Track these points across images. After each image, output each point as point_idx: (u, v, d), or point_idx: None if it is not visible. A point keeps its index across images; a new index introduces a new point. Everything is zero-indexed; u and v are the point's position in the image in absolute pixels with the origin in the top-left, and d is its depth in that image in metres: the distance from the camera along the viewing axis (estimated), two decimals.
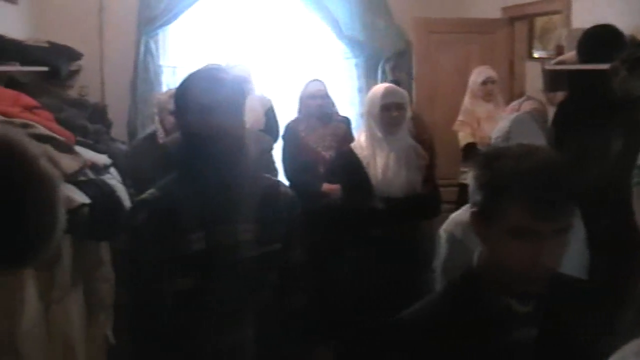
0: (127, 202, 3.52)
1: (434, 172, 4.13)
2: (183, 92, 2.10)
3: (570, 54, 4.32)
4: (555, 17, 5.79)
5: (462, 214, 2.69)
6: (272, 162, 4.76)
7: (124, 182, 3.84)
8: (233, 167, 2.09)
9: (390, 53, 6.35)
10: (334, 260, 4.12)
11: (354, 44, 6.36)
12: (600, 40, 3.95)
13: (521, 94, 5.78)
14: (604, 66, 3.67)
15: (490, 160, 1.61)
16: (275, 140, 5.14)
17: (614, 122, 3.59)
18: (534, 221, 1.51)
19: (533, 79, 5.81)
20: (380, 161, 3.89)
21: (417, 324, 1.69)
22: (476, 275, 1.68)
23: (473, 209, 1.65)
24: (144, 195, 2.16)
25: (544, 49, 6.17)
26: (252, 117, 4.65)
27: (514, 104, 4.49)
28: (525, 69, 6.18)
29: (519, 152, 1.57)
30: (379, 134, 3.91)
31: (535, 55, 6.21)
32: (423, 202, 3.95)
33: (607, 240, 3.01)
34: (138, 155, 4.45)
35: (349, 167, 4.01)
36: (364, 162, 3.91)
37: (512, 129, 2.61)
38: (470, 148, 5.34)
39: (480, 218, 1.62)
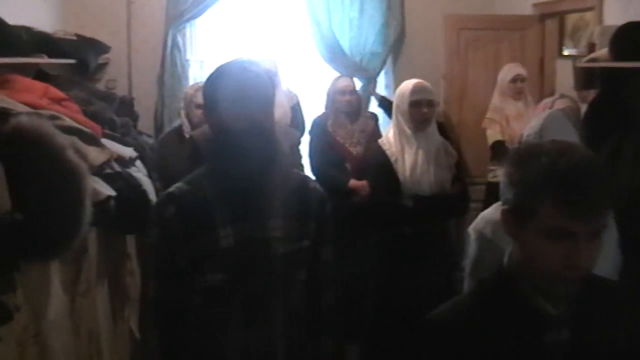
0: (152, 196, 3.51)
1: (463, 170, 4.08)
2: (213, 84, 2.06)
3: (603, 52, 4.23)
4: (587, 15, 5.68)
5: (492, 212, 2.64)
6: (300, 158, 4.74)
7: (150, 175, 3.84)
8: (264, 162, 2.05)
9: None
10: (362, 257, 4.09)
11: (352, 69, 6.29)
12: (634, 37, 3.87)
13: (551, 92, 5.70)
14: (636, 64, 3.60)
15: (523, 157, 1.57)
16: (301, 135, 5.12)
17: None
18: (570, 221, 1.46)
19: (563, 77, 5.73)
20: (408, 158, 3.85)
21: (446, 325, 1.65)
22: (507, 275, 1.64)
23: (504, 207, 1.61)
24: (171, 189, 2.13)
25: (574, 46, 6.07)
26: (279, 111, 4.64)
27: (547, 101, 4.42)
28: (555, 67, 6.09)
29: (554, 150, 1.52)
30: (408, 131, 3.88)
31: (566, 53, 6.12)
32: (451, 201, 3.91)
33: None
34: (165, 148, 4.46)
35: (376, 164, 3.98)
36: (392, 159, 3.88)
37: (544, 126, 2.56)
38: (498, 146, 5.28)
39: (512, 216, 1.58)
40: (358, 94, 5.23)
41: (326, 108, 5.19)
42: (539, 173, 1.50)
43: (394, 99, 4.08)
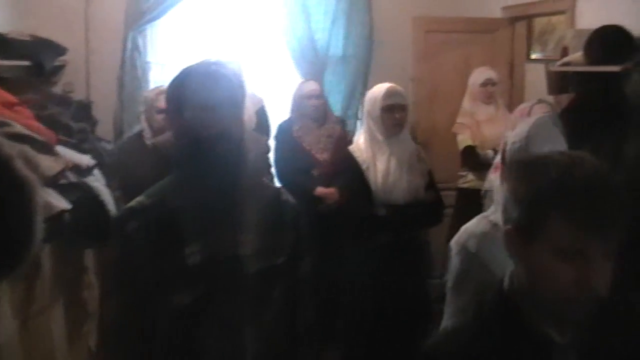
0: (111, 206, 3.34)
1: (433, 177, 3.97)
2: (179, 88, 1.91)
3: (576, 55, 4.17)
4: (555, 18, 5.66)
5: (475, 224, 2.50)
6: (269, 166, 4.58)
7: (109, 184, 3.65)
8: (233, 172, 1.91)
9: None
10: (337, 266, 3.95)
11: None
12: (610, 41, 3.81)
13: (521, 96, 5.64)
14: (614, 68, 3.53)
15: (529, 171, 1.44)
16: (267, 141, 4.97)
17: (625, 125, 3.44)
18: (582, 239, 1.34)
19: (532, 81, 5.67)
20: (380, 166, 3.72)
21: (444, 357, 1.51)
22: (508, 299, 1.50)
23: (507, 227, 1.46)
24: (132, 203, 1.96)
25: (542, 50, 6.02)
26: (245, 116, 4.48)
27: (524, 106, 4.31)
28: (524, 70, 6.03)
29: (563, 162, 1.39)
30: (380, 137, 3.75)
31: (533, 56, 6.07)
32: (426, 210, 3.77)
33: (628, 250, 2.85)
34: (124, 155, 4.28)
35: (347, 172, 3.84)
36: (364, 167, 3.74)
37: (531, 133, 2.41)
38: (469, 151, 5.20)
39: (517, 235, 1.44)
40: (324, 99, 5.09)
41: (292, 113, 5.04)
42: (549, 187, 1.37)
43: (364, 103, 3.94)
